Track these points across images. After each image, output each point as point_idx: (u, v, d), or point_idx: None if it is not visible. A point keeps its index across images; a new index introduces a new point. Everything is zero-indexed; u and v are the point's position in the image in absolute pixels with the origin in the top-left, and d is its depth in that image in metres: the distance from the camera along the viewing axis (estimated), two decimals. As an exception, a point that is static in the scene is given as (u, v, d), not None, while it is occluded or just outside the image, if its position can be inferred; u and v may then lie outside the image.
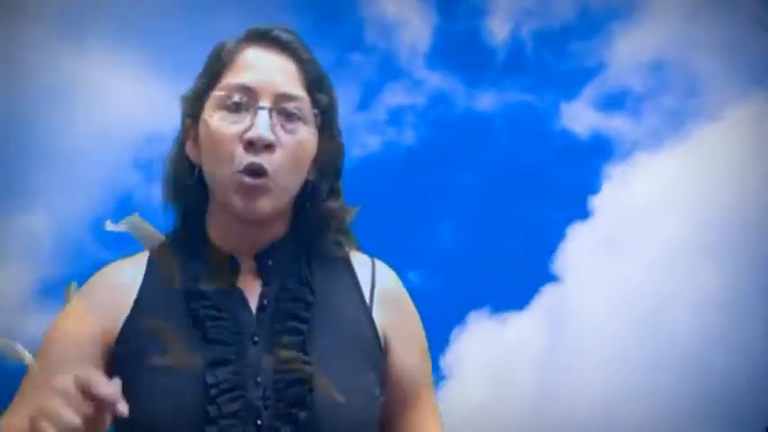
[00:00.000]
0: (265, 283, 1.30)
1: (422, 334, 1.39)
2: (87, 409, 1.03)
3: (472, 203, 3.27)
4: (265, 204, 1.26)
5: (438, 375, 3.11)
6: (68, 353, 1.25)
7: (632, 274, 3.22)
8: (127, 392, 1.15)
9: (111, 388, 1.04)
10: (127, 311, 1.27)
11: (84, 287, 1.32)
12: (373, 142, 3.28)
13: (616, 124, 3.33)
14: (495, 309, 3.16)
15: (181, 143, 1.35)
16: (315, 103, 1.31)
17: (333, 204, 1.35)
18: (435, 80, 3.31)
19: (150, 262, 1.33)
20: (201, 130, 1.30)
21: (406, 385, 1.34)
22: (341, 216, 1.38)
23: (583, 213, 3.23)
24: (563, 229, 3.22)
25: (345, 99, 3.41)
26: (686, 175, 3.28)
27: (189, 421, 1.18)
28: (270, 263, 1.31)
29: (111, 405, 1.04)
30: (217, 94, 1.28)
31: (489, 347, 3.18)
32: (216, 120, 1.27)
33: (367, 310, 1.32)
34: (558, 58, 3.33)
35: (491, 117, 3.33)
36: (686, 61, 3.33)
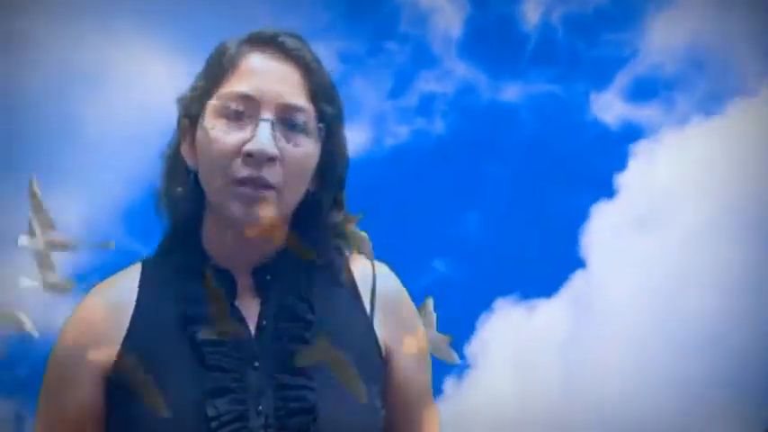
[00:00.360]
0: (264, 301, 1.26)
1: (423, 339, 1.35)
2: None
3: (500, 192, 3.26)
4: (265, 213, 1.22)
5: (463, 363, 3.12)
6: (68, 381, 1.23)
7: (659, 255, 3.20)
8: (125, 425, 1.18)
9: None
10: (121, 338, 1.23)
11: (79, 310, 1.28)
12: (404, 131, 3.27)
13: (648, 113, 3.30)
14: (522, 296, 3.17)
15: (176, 144, 1.30)
16: (319, 114, 1.26)
17: (336, 217, 1.31)
18: (467, 69, 3.30)
19: (143, 279, 1.28)
20: (199, 135, 1.25)
21: (407, 393, 1.31)
22: (343, 227, 1.32)
23: (609, 193, 3.21)
24: (590, 212, 3.21)
25: (378, 88, 3.40)
26: (714, 154, 3.25)
27: None
28: (268, 278, 1.27)
29: None
30: (217, 100, 1.24)
31: (516, 335, 3.19)
32: (215, 128, 1.23)
33: (368, 319, 1.29)
34: (591, 45, 3.31)
35: (521, 107, 3.32)
36: (720, 46, 3.30)
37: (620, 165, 3.23)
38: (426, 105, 3.27)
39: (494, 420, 2.87)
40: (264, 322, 1.24)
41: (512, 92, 3.29)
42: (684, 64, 3.31)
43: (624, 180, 3.23)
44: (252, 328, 1.24)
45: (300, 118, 1.24)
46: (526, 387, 3.08)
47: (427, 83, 3.28)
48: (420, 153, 3.27)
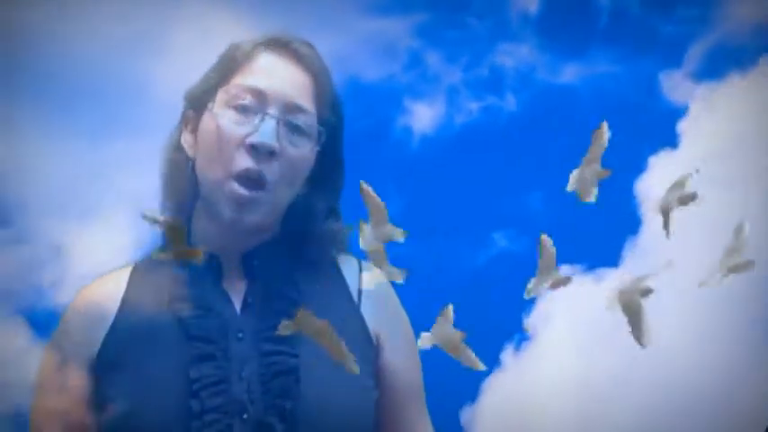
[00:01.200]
0: (250, 282, 1.30)
1: (411, 333, 1.38)
2: None
3: (567, 167, 3.24)
4: (254, 218, 1.27)
5: (523, 335, 3.11)
6: (57, 368, 1.27)
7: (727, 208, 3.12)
8: (111, 392, 1.22)
9: None
10: (108, 323, 1.28)
11: (69, 308, 1.33)
12: (474, 107, 3.26)
13: (720, 91, 3.22)
14: (587, 266, 3.14)
15: (177, 134, 1.35)
16: (321, 120, 1.31)
17: (334, 226, 1.36)
18: (542, 46, 3.26)
19: (133, 273, 1.34)
20: (204, 124, 1.30)
21: (399, 383, 1.34)
22: (339, 237, 1.37)
23: (672, 143, 3.15)
24: (649, 164, 3.16)
25: (451, 63, 3.37)
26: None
27: (173, 417, 1.19)
28: (255, 263, 1.31)
29: None
30: (227, 92, 1.28)
31: (579, 305, 3.16)
32: (222, 118, 1.27)
33: (355, 306, 1.33)
34: (667, 22, 3.24)
35: (588, 85, 3.28)
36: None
37: (681, 111, 3.16)
38: (498, 82, 3.25)
39: (553, 392, 2.87)
40: (250, 300, 1.29)
41: (578, 70, 3.25)
42: (764, 39, 3.23)
43: (686, 126, 3.16)
44: (238, 305, 1.29)
45: (304, 120, 1.29)
46: (590, 361, 3.06)
47: (501, 59, 3.26)
48: (491, 129, 3.26)
